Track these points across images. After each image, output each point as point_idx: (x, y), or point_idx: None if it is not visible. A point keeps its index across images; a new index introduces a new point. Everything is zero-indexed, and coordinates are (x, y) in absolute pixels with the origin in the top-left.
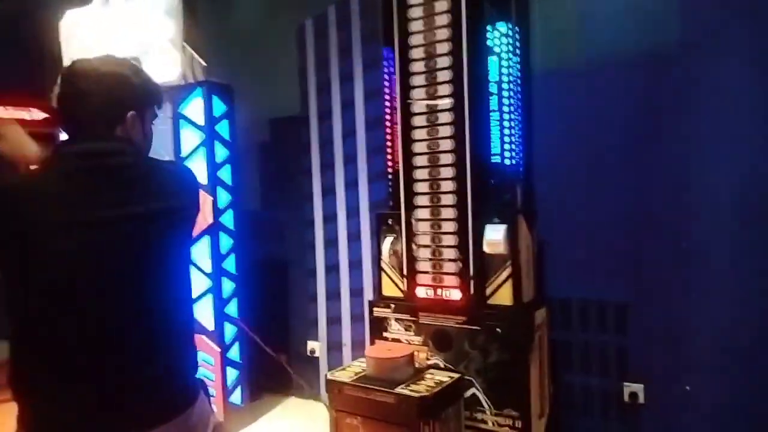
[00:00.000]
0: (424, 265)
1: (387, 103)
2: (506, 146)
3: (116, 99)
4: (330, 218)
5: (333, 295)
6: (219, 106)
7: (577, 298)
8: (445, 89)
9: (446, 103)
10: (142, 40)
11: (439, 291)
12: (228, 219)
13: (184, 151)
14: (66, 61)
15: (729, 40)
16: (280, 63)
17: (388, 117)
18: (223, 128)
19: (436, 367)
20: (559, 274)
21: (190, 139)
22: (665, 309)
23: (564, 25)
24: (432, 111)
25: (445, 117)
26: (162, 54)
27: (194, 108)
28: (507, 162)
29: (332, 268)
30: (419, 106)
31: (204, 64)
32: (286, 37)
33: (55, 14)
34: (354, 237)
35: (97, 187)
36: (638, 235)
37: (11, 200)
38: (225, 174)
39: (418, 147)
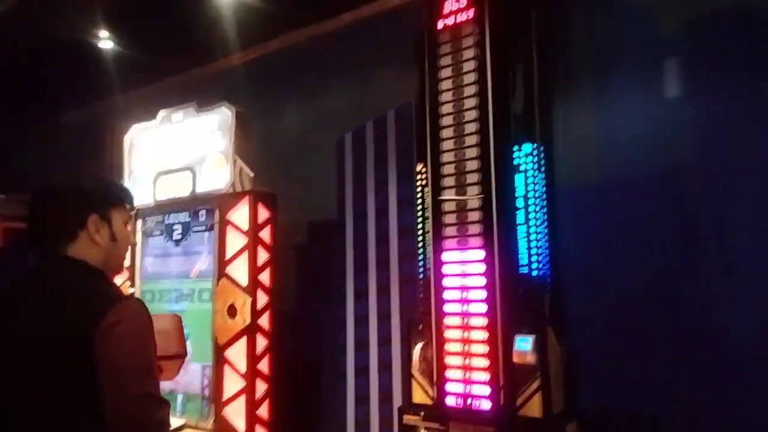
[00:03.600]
0: (454, 374)
1: (420, 213)
2: (534, 257)
3: (67, 210)
4: (361, 321)
5: (362, 399)
6: (263, 213)
7: (610, 410)
8: (474, 203)
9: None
10: (197, 153)
11: (469, 400)
12: (264, 320)
13: (228, 254)
14: (127, 172)
15: (740, 164)
16: (320, 172)
17: (420, 225)
18: (265, 233)
19: None
20: (590, 385)
21: (235, 243)
22: (695, 425)
23: (585, 145)
24: (462, 223)
25: (475, 229)
26: (214, 165)
27: (240, 214)
28: (535, 273)
29: (362, 371)
30: (450, 218)
31: (251, 174)
32: (327, 148)
33: (121, 128)
34: (384, 341)
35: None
36: (667, 348)
37: None
38: (264, 276)
39: (449, 256)
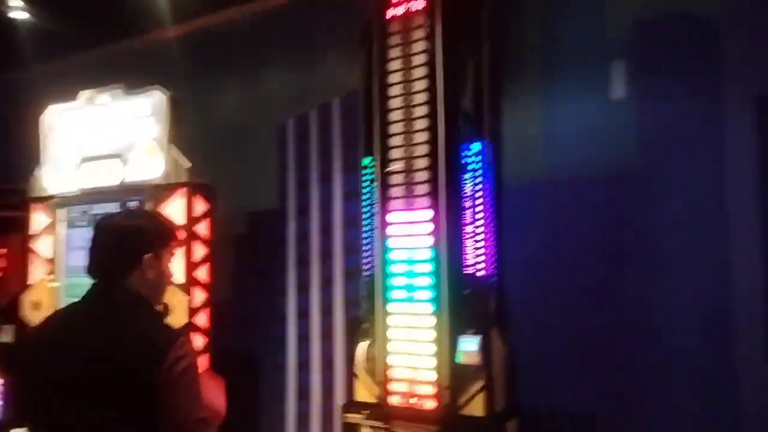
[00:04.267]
0: (398, 373)
1: (366, 207)
2: (480, 257)
3: (129, 248)
4: (303, 314)
5: (303, 395)
6: (200, 206)
7: (547, 407)
8: (422, 202)
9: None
10: (127, 139)
11: (412, 399)
12: (202, 318)
13: None
14: (45, 155)
15: (678, 164)
16: (259, 159)
17: (366, 219)
18: (203, 227)
19: None
20: (532, 382)
21: None
22: (630, 420)
23: (532, 143)
24: (409, 222)
25: (422, 228)
26: (146, 153)
27: (175, 207)
28: (480, 273)
29: (303, 366)
30: (397, 216)
31: (188, 164)
32: (267, 135)
33: (37, 107)
34: (327, 335)
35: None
36: (606, 346)
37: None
38: (202, 272)
39: (396, 255)
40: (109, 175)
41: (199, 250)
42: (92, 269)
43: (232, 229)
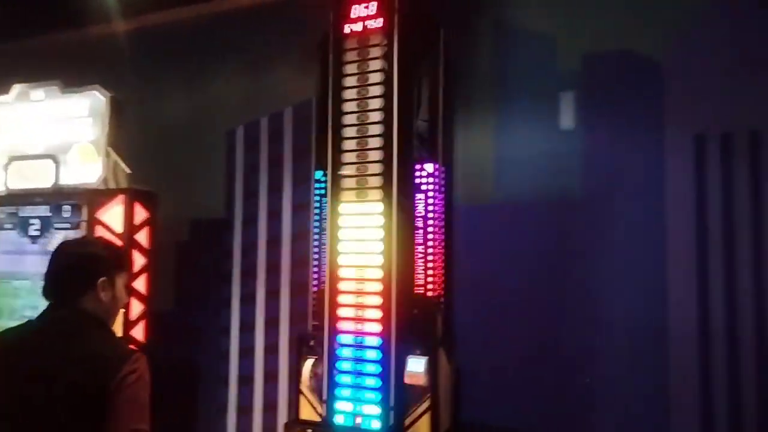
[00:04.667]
0: (344, 392)
1: (316, 220)
2: (429, 278)
3: (83, 271)
4: (247, 327)
5: (245, 410)
6: (140, 213)
7: (491, 426)
8: (374, 221)
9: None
10: (62, 140)
11: (358, 419)
12: (138, 331)
13: None
14: None
15: (621, 192)
16: (205, 166)
17: (316, 233)
18: (142, 236)
19: None
20: (475, 401)
21: None
22: None
23: (482, 165)
24: (360, 239)
25: (373, 247)
26: (83, 156)
27: (113, 214)
28: (430, 293)
29: (246, 380)
30: (347, 235)
31: (128, 171)
32: (214, 141)
33: None
34: (271, 349)
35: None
36: (548, 366)
37: None
38: (140, 283)
39: (345, 272)
40: (40, 177)
41: (139, 260)
42: (48, 291)
43: (175, 238)
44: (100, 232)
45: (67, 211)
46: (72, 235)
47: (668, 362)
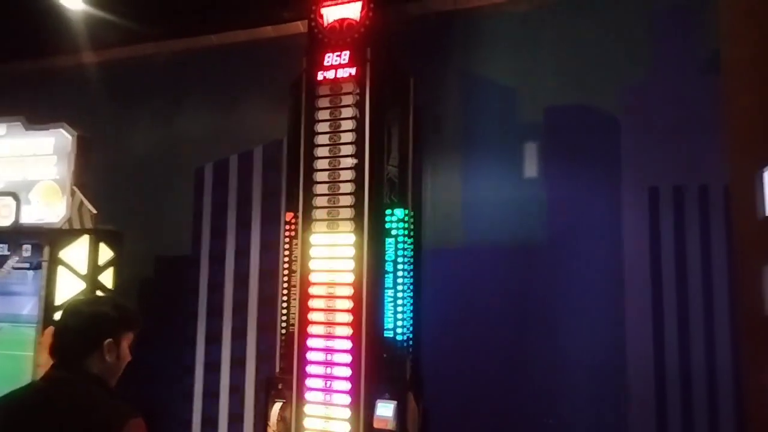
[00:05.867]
0: None
1: (285, 262)
2: (398, 321)
3: (91, 332)
4: (212, 367)
5: None
6: (105, 253)
7: None
8: (346, 264)
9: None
10: (24, 177)
11: None
12: None
13: (60, 298)
14: None
15: (581, 237)
16: (172, 203)
17: (285, 273)
18: (106, 277)
19: None
20: None
21: (68, 286)
22: None
23: (450, 212)
24: (331, 283)
25: (344, 291)
26: (46, 195)
27: (77, 254)
28: (399, 337)
29: (210, 422)
30: (319, 279)
31: (93, 211)
32: (181, 178)
33: None
34: (237, 389)
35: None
36: (511, 407)
37: None
38: None
39: (316, 316)
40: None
41: None
42: (54, 350)
43: (140, 275)
44: (62, 272)
45: (27, 249)
46: (31, 274)
47: (628, 400)
